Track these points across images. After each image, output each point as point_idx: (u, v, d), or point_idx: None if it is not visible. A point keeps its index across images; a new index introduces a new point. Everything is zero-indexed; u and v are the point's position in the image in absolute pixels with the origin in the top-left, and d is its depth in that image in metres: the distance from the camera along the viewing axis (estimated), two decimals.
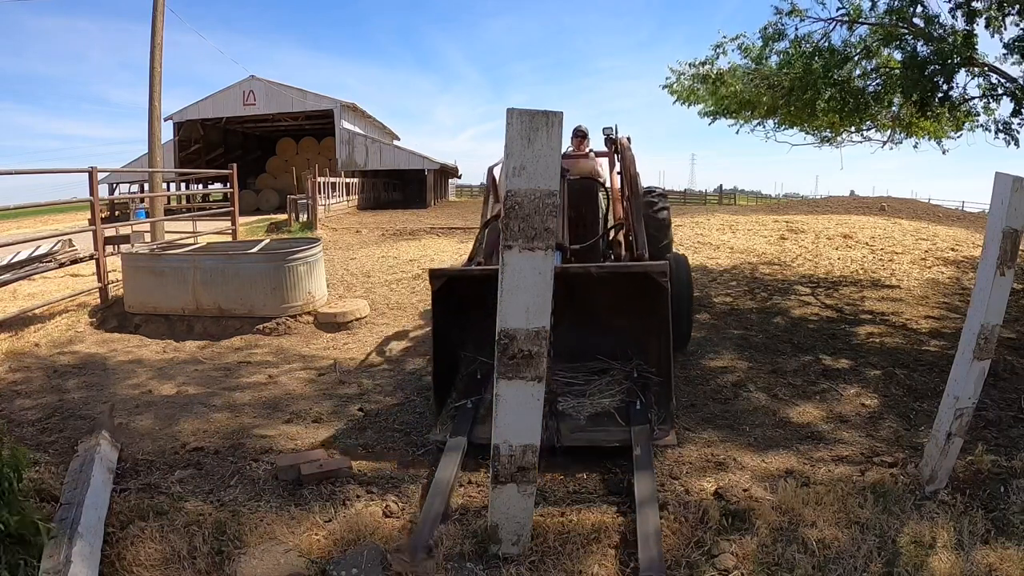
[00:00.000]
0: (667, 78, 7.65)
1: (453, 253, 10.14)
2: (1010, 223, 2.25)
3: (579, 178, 4.75)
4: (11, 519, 1.81)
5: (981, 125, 6.38)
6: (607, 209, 4.83)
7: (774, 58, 6.81)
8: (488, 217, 4.63)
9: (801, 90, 6.22)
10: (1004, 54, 5.30)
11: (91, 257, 6.50)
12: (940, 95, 5.63)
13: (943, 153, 7.75)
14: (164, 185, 17.90)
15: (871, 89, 6.48)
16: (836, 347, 4.75)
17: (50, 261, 6.56)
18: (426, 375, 4.11)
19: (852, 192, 38.67)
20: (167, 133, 25.13)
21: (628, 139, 5.09)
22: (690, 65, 7.38)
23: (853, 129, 7.71)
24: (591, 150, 5.41)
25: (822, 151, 9.87)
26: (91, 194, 6.34)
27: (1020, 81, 5.56)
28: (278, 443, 3.10)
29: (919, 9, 5.62)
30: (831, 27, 6.40)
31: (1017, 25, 5.22)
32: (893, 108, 6.92)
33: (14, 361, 4.67)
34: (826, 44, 6.42)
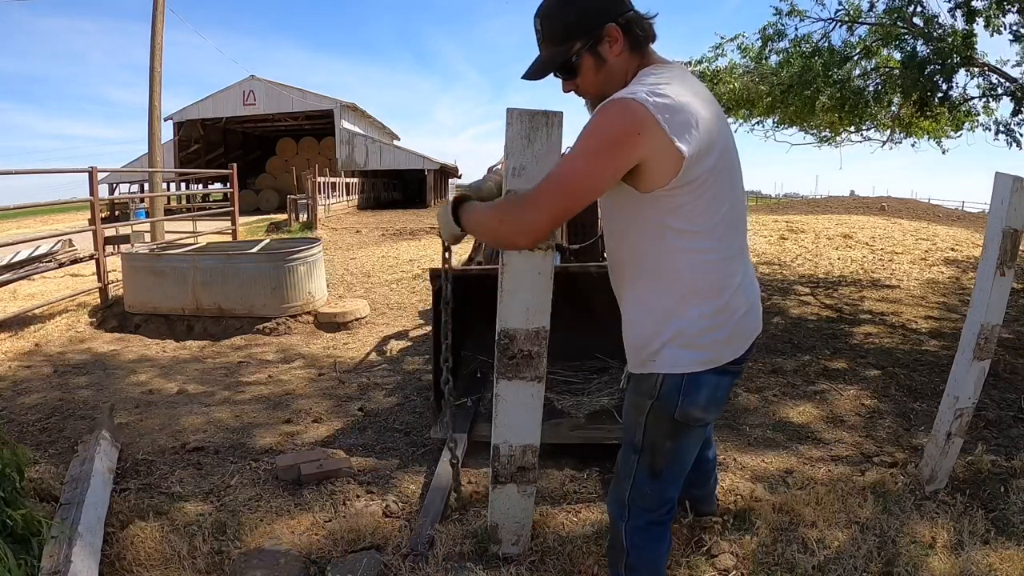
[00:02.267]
0: None
1: (453, 253, 10.14)
2: (1010, 223, 2.25)
3: None
4: (18, 515, 1.81)
5: (981, 125, 6.39)
6: None
7: (774, 58, 6.83)
8: None
9: (800, 88, 6.22)
10: (1010, 40, 5.31)
11: (91, 257, 6.51)
12: (940, 95, 5.64)
13: (943, 153, 7.76)
14: (164, 185, 17.91)
15: (871, 89, 6.48)
16: (835, 347, 4.75)
17: (50, 261, 6.57)
18: (426, 374, 4.11)
19: (852, 192, 38.71)
20: (167, 133, 25.20)
21: None
22: (687, 65, 7.40)
23: (853, 129, 7.72)
24: None
25: (822, 151, 9.91)
26: (91, 194, 6.34)
27: (1020, 81, 5.56)
28: (278, 443, 3.11)
29: (918, 9, 5.63)
30: (830, 27, 6.42)
31: (1017, 24, 5.22)
32: (893, 108, 6.92)
33: (14, 361, 4.68)
34: (825, 44, 6.43)
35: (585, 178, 1.30)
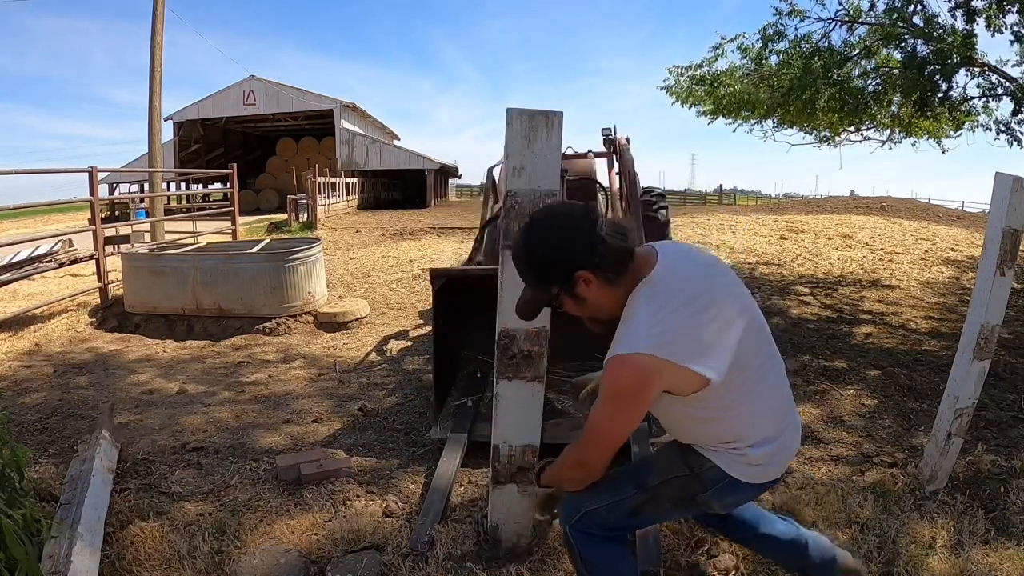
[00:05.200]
0: (665, 80, 7.67)
1: (453, 253, 10.14)
2: (1010, 223, 2.25)
3: (578, 179, 4.76)
4: (18, 515, 1.81)
5: (981, 125, 6.39)
6: (606, 210, 4.84)
7: (774, 58, 6.82)
8: (488, 218, 4.64)
9: (800, 90, 6.22)
10: (1011, 40, 5.31)
11: (91, 257, 6.51)
12: (940, 95, 5.64)
13: (943, 153, 7.75)
14: (164, 185, 17.90)
15: (871, 89, 6.48)
16: (835, 347, 4.75)
17: (50, 261, 6.57)
18: (426, 374, 4.11)
19: (852, 192, 38.74)
20: (167, 133, 25.17)
21: (627, 139, 5.11)
22: (687, 68, 7.40)
23: (852, 129, 7.71)
24: (590, 150, 5.42)
25: (822, 151, 9.88)
26: (91, 194, 6.34)
27: (1020, 81, 5.56)
28: (278, 443, 3.11)
29: (918, 9, 5.63)
30: (830, 27, 6.41)
31: (1018, 25, 5.22)
32: (892, 108, 6.92)
33: (14, 361, 4.68)
34: (825, 44, 6.43)
35: (616, 429, 1.45)
